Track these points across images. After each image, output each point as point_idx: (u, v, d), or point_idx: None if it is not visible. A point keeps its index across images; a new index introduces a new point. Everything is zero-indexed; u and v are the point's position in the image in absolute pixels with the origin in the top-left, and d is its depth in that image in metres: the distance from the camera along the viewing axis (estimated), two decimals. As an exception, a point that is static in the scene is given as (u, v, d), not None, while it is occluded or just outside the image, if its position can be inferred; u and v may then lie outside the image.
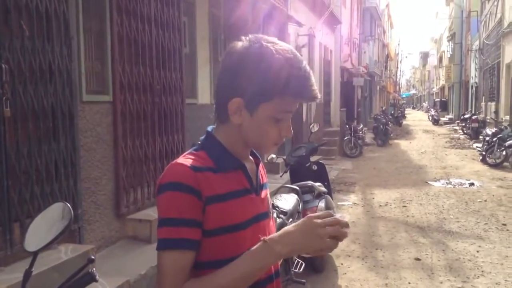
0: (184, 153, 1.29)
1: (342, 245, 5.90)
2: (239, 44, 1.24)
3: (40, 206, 3.70)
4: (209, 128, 1.33)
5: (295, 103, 1.24)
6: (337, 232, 1.12)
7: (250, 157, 1.36)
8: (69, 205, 1.55)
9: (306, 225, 1.13)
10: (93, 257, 1.56)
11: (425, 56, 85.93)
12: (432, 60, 71.01)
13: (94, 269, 1.49)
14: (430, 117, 39.03)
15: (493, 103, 20.54)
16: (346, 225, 1.14)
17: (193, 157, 1.24)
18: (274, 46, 1.21)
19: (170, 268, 1.15)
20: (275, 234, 1.17)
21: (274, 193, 5.13)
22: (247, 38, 1.25)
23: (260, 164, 1.39)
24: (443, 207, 8.27)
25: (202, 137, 1.32)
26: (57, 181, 3.90)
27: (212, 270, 1.18)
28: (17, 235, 3.52)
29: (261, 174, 1.38)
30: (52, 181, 3.85)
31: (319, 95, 1.24)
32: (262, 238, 1.16)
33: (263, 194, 1.36)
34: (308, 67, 1.22)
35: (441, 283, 4.90)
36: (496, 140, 13.15)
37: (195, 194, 1.17)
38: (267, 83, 1.18)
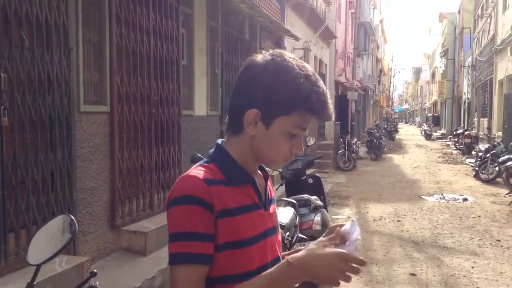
0: (195, 165, 1.27)
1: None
2: (259, 57, 1.24)
3: (35, 217, 3.67)
4: (219, 141, 1.32)
5: (310, 120, 1.24)
6: (356, 271, 1.10)
7: (259, 171, 1.35)
8: (72, 217, 1.54)
9: (333, 264, 1.10)
10: (95, 271, 1.54)
11: (418, 72, 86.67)
12: (425, 76, 71.56)
13: (97, 282, 1.47)
14: (423, 132, 39.21)
15: (486, 119, 20.69)
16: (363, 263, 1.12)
17: (204, 169, 1.23)
18: (296, 62, 1.22)
19: (185, 283, 1.14)
20: (299, 256, 1.13)
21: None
22: (268, 52, 1.25)
23: (268, 179, 1.38)
24: (437, 222, 8.27)
25: (211, 150, 1.31)
26: (53, 192, 3.88)
27: (222, 286, 1.18)
28: (12, 246, 3.48)
29: (269, 189, 1.37)
30: (48, 191, 3.83)
31: (333, 115, 1.24)
32: (287, 259, 1.14)
33: (271, 209, 1.35)
34: (325, 87, 1.23)
35: (437, 299, 4.89)
36: (489, 156, 13.21)
37: (208, 208, 1.16)
38: (288, 96, 1.18)
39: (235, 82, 1.28)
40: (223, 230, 1.18)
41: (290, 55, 1.24)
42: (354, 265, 1.10)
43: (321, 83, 1.22)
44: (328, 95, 1.23)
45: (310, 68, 1.23)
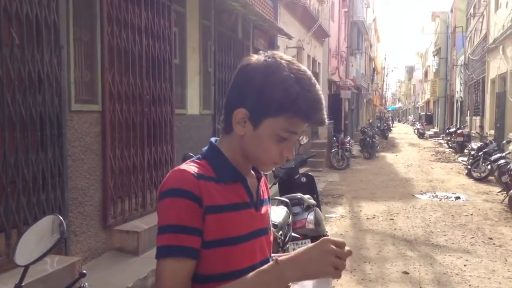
0: (186, 161, 1.27)
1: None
2: (254, 57, 1.24)
3: (26, 217, 3.64)
4: (213, 139, 1.32)
5: (302, 125, 1.22)
6: (343, 264, 1.10)
7: (252, 172, 1.34)
8: (61, 217, 1.52)
9: (321, 249, 1.09)
10: (84, 271, 1.53)
11: (410, 70, 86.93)
12: (418, 74, 71.78)
13: (86, 283, 1.45)
14: (416, 131, 39.37)
15: (478, 118, 20.79)
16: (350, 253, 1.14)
17: (195, 165, 1.23)
18: (288, 64, 1.20)
19: (170, 277, 1.13)
20: (287, 257, 1.12)
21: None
22: (264, 53, 1.24)
23: (262, 179, 1.37)
24: (430, 220, 8.30)
25: (205, 148, 1.31)
26: (44, 191, 3.85)
27: (214, 284, 1.16)
28: (2, 246, 3.45)
29: (262, 190, 1.36)
30: (39, 191, 3.80)
31: (326, 121, 1.22)
32: (274, 258, 1.13)
33: (263, 209, 1.33)
34: (320, 92, 1.21)
35: (429, 297, 4.90)
36: (481, 154, 13.27)
37: (197, 201, 1.15)
38: (274, 98, 1.17)
39: (231, 82, 1.28)
40: (211, 227, 1.17)
41: (286, 57, 1.23)
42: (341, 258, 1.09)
43: (314, 87, 1.19)
44: (321, 100, 1.20)
45: (307, 72, 1.21)
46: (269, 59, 1.21)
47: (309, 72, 1.22)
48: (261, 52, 1.26)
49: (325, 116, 1.21)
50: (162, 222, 1.16)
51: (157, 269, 1.15)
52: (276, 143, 1.21)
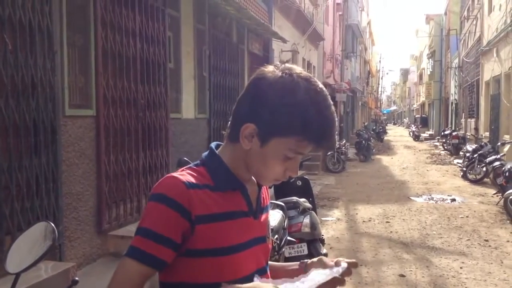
0: (183, 168, 1.24)
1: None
2: (271, 70, 1.18)
3: (20, 222, 3.62)
4: (213, 145, 1.28)
5: (310, 147, 1.19)
6: None
7: (253, 178, 1.30)
8: (52, 224, 1.50)
9: None
10: (77, 278, 1.51)
11: (405, 73, 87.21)
12: (413, 77, 72.05)
13: (78, 291, 1.44)
14: (411, 133, 39.48)
15: (473, 120, 20.86)
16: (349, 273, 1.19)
17: (191, 172, 1.20)
18: (305, 84, 1.15)
19: (121, 277, 1.12)
20: (240, 286, 1.11)
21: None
22: (281, 66, 1.19)
23: (264, 186, 1.34)
24: (426, 222, 8.30)
25: (205, 154, 1.27)
26: (38, 197, 3.82)
27: None
28: (-5, 253, 3.42)
29: (263, 197, 1.33)
30: (33, 196, 3.77)
31: (336, 147, 1.20)
32: (223, 284, 1.11)
33: (262, 217, 1.30)
34: (334, 114, 1.17)
35: (426, 299, 4.89)
36: (476, 157, 13.30)
37: (181, 212, 1.12)
38: (286, 119, 1.13)
39: (243, 91, 1.23)
40: (205, 236, 1.14)
41: (304, 73, 1.18)
42: None
43: (329, 110, 1.16)
44: (334, 125, 1.16)
45: (324, 92, 1.17)
46: (286, 76, 1.15)
47: (325, 92, 1.18)
48: (277, 63, 1.21)
49: (335, 141, 1.20)
50: (139, 224, 1.15)
51: (118, 264, 1.14)
52: (281, 162, 1.19)
